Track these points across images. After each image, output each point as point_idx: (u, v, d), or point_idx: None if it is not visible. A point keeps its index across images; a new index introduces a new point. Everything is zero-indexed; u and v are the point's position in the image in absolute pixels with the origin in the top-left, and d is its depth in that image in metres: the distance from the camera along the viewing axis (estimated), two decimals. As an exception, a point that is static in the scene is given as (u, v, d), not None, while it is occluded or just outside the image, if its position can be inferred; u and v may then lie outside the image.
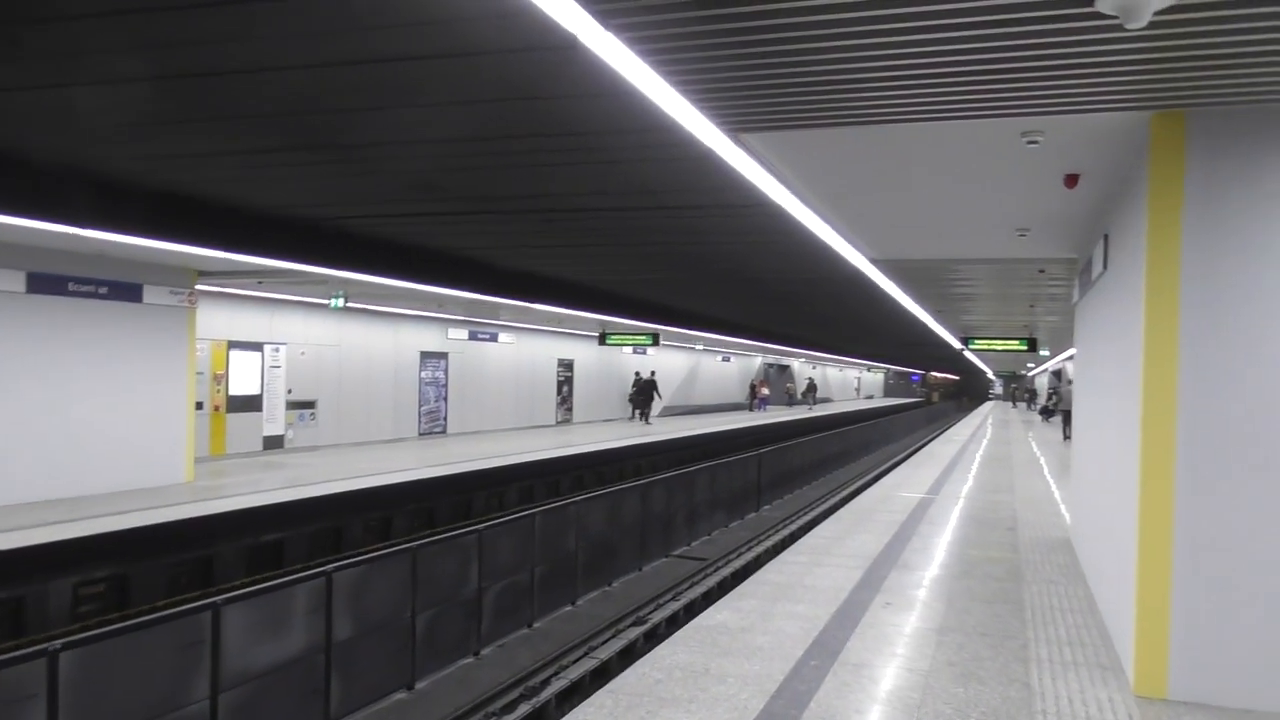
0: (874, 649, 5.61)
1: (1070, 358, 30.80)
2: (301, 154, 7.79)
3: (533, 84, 5.78)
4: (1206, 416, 4.61)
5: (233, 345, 16.84)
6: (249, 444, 17.27)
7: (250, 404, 17.33)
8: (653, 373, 30.44)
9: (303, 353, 18.51)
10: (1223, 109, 4.55)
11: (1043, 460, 19.50)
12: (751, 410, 42.52)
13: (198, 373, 15.76)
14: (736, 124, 4.96)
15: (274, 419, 17.90)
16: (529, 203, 9.69)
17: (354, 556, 9.95)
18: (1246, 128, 4.56)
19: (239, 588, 8.83)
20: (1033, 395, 57.10)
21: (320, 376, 18.98)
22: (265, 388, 17.64)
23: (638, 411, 30.39)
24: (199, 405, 15.97)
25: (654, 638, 10.76)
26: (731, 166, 5.92)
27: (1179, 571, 4.64)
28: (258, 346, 17.45)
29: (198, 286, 13.45)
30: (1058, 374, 39.11)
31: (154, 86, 6.06)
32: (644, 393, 30.01)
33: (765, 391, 45.09)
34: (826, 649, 5.58)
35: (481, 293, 15.66)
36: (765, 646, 5.62)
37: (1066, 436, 26.38)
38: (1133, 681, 4.86)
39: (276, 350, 17.88)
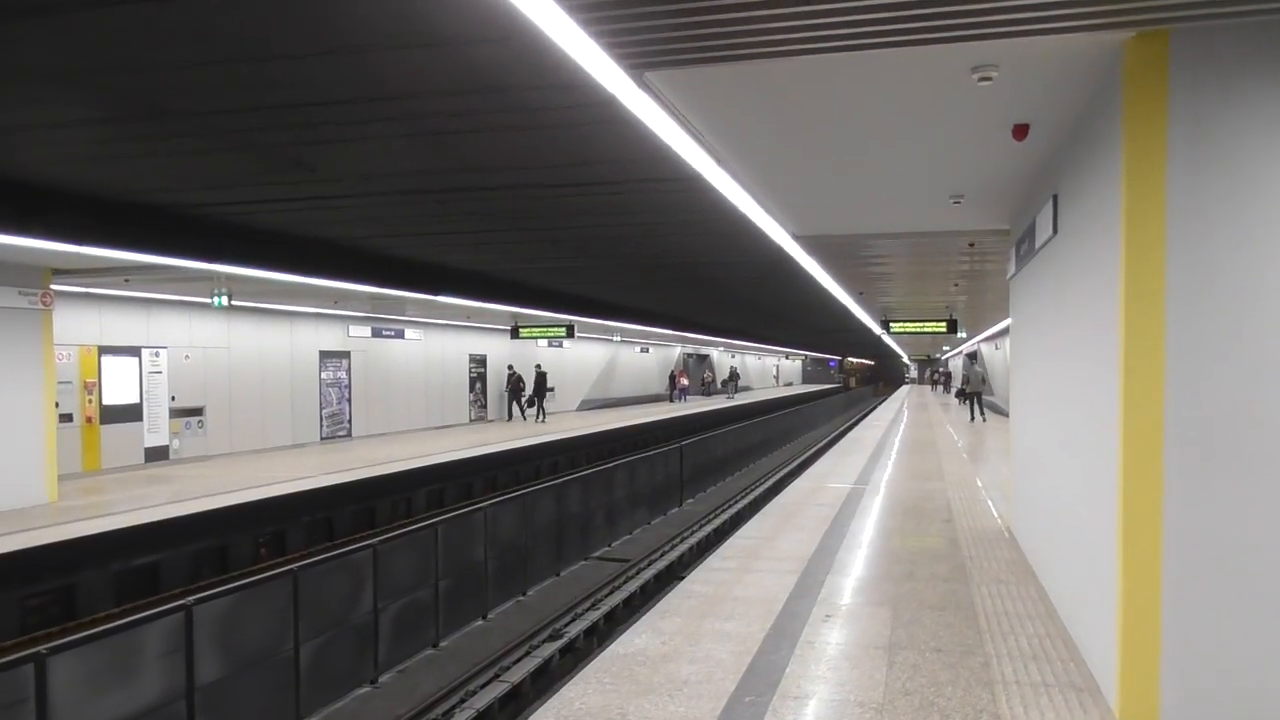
0: (817, 676, 4.83)
1: (988, 339, 30.92)
2: (141, 125, 6.67)
3: (402, 26, 4.84)
4: (1202, 393, 3.91)
5: (104, 350, 15.36)
6: (128, 457, 15.81)
7: (128, 413, 15.86)
8: (538, 366, 28.32)
9: (187, 356, 17.08)
10: (1209, 29, 3.86)
11: (960, 444, 19.19)
12: (672, 401, 41.89)
13: (62, 381, 14.37)
14: (638, 59, 4.09)
15: (156, 429, 16.46)
16: (416, 181, 8.68)
17: (231, 581, 8.87)
18: (1238, 50, 3.87)
19: (76, 630, 7.66)
20: (948, 379, 57.81)
21: (208, 381, 17.57)
22: (145, 395, 16.18)
23: (519, 407, 27.60)
24: (67, 417, 14.57)
25: (569, 651, 9.91)
26: (637, 118, 5.06)
27: (1170, 577, 3.95)
28: (134, 351, 15.97)
29: (54, 286, 12.06)
30: (972, 356, 39.45)
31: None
32: (538, 386, 27.80)
33: (685, 382, 44.53)
34: (763, 679, 4.78)
35: (379, 286, 14.54)
36: (692, 679, 4.80)
37: (972, 418, 26.48)
38: (1116, 706, 4.17)
39: (156, 355, 16.42)
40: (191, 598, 6.92)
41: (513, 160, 7.85)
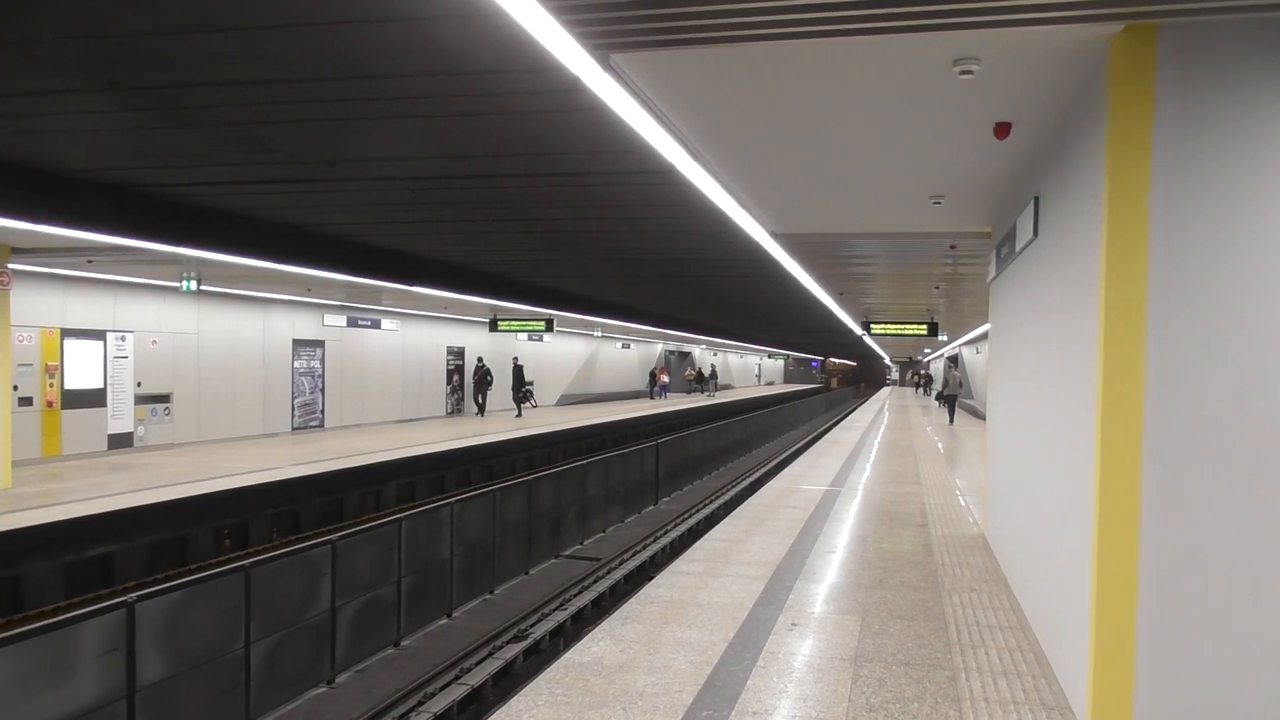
0: (779, 689, 4.64)
1: (968, 342, 30.91)
2: (94, 98, 6.39)
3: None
4: (1182, 406, 3.74)
5: (67, 333, 15.00)
6: (91, 443, 15.47)
7: (91, 399, 15.50)
8: (515, 359, 27.84)
9: (154, 341, 16.73)
10: (1198, 26, 3.68)
11: (940, 447, 19.10)
12: (653, 398, 41.73)
13: (22, 364, 14.04)
14: (602, 39, 3.88)
15: (121, 415, 16.11)
16: (386, 168, 8.42)
17: (187, 574, 8.62)
18: (1227, 49, 3.69)
19: (21, 624, 7.36)
20: (928, 381, 57.91)
21: (176, 367, 17.22)
22: (109, 380, 15.82)
23: (484, 401, 26.49)
24: (26, 401, 14.23)
25: (534, 653, 9.70)
26: (606, 105, 4.84)
27: (1145, 593, 3.77)
28: (99, 334, 15.61)
29: (13, 266, 11.73)
30: (953, 360, 39.50)
31: None
32: (516, 381, 27.10)
33: (665, 379, 44.37)
34: (722, 692, 4.59)
35: (352, 275, 14.22)
36: (649, 691, 4.59)
37: (951, 420, 26.51)
38: (1088, 727, 4.00)
39: (122, 339, 16.07)
40: (134, 594, 6.65)
41: (483, 148, 7.61)
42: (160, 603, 6.88)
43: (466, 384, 27.16)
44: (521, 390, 26.92)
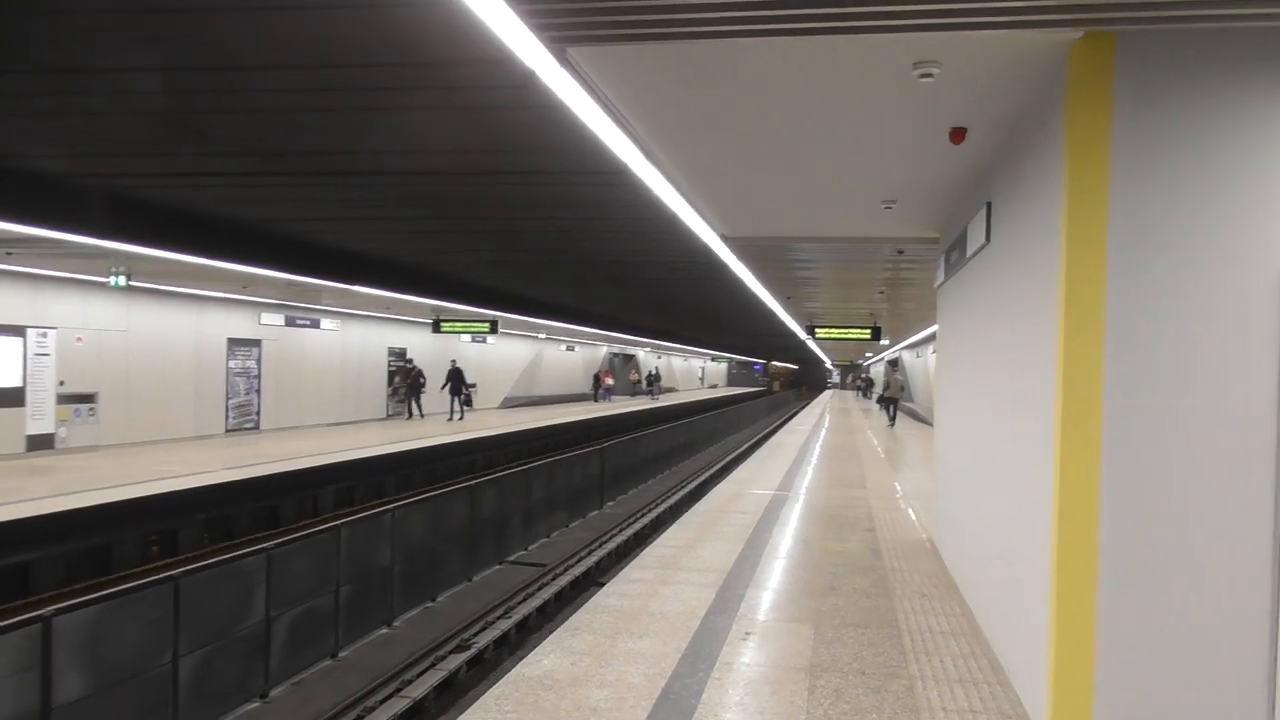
0: (735, 702, 4.53)
1: (910, 346, 31.30)
2: (11, 80, 6.03)
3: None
4: (1141, 410, 3.71)
5: (-17, 329, 14.35)
6: (7, 445, 14.79)
7: (8, 398, 14.83)
8: (453, 361, 26.20)
9: (79, 339, 16.08)
10: (1157, 33, 3.65)
11: (881, 450, 19.26)
12: (597, 400, 41.56)
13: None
14: (558, 31, 3.72)
15: (41, 415, 15.45)
16: (328, 162, 8.15)
17: (113, 585, 8.24)
18: (1185, 58, 3.67)
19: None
20: (870, 385, 58.61)
21: (102, 366, 16.58)
22: (28, 379, 15.15)
23: (416, 405, 25.50)
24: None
25: (478, 663, 9.48)
26: (561, 101, 4.68)
27: (1104, 601, 3.74)
28: (18, 331, 14.95)
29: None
30: (893, 363, 40.00)
31: None
32: (454, 383, 25.46)
33: (610, 382, 44.26)
34: (678, 706, 4.45)
35: (291, 272, 13.85)
36: (602, 706, 4.44)
37: (891, 423, 26.87)
38: (1047, 737, 3.95)
39: (44, 335, 15.41)
40: (51, 608, 6.30)
41: (435, 143, 7.39)
42: (80, 616, 6.56)
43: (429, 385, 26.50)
44: (461, 393, 25.90)
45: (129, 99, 6.23)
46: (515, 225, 11.36)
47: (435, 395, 26.07)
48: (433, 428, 22.50)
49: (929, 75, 4.25)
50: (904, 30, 3.66)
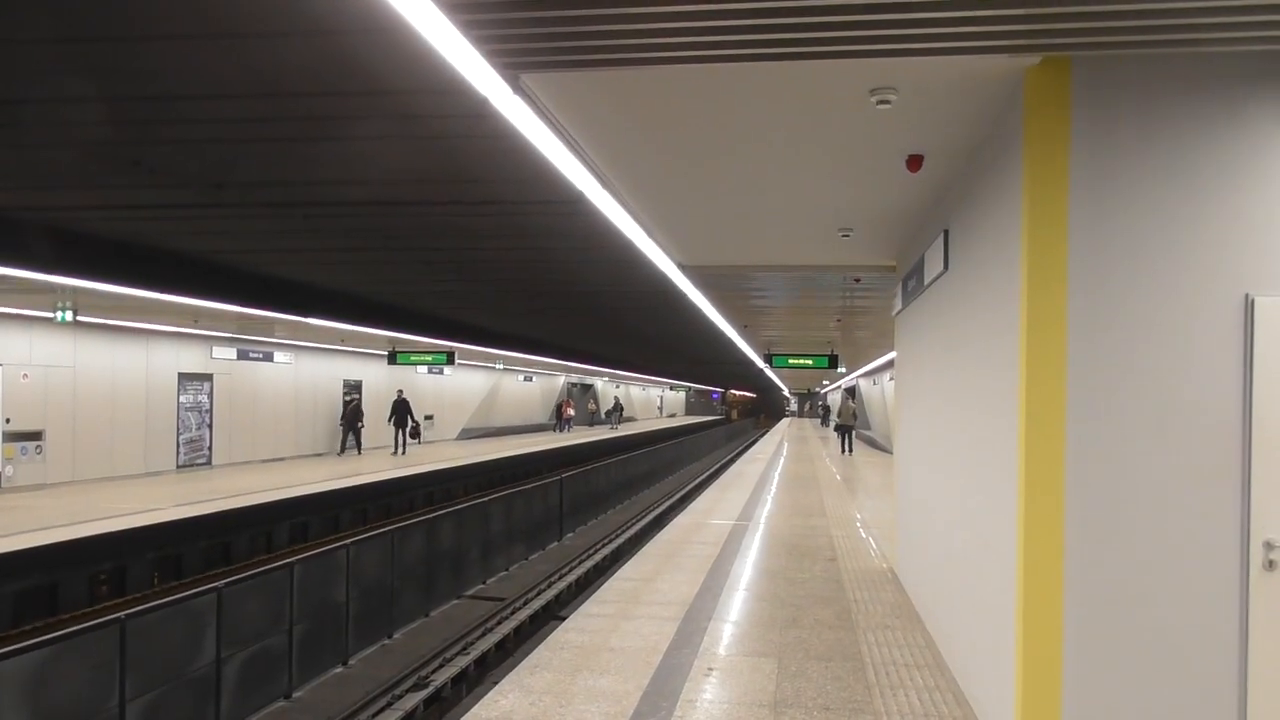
0: (698, 741, 4.43)
1: (866, 374, 31.53)
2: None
3: (253, 6, 4.29)
4: (1104, 436, 3.71)
5: (-75, 367, 13.91)
6: (-50, 484, 14.34)
7: (-48, 437, 14.40)
8: (399, 391, 25.22)
9: (25, 375, 15.66)
10: (1113, 57, 3.69)
11: (839, 478, 19.30)
12: (558, 431, 41.37)
13: None
14: (511, 57, 3.68)
15: (-15, 454, 15.00)
16: (278, 193, 8.02)
17: (59, 627, 7.93)
18: (1139, 83, 3.72)
19: None
20: (827, 412, 58.94)
21: (49, 402, 16.14)
22: (-27, 417, 14.72)
23: (355, 439, 24.27)
24: (-125, 440, 13.10)
25: (435, 702, 9.26)
26: (515, 129, 4.63)
27: (1071, 633, 3.71)
28: (-39, 368, 14.55)
29: None
30: (850, 392, 40.27)
31: None
32: (398, 415, 24.55)
33: (571, 412, 44.15)
34: (639, 746, 4.35)
35: (241, 305, 13.57)
36: (561, 747, 4.32)
37: (842, 450, 27.01)
38: (1015, 771, 3.90)
39: (-12, 372, 15.00)
40: (-8, 653, 6.05)
41: (385, 172, 7.29)
42: (24, 661, 6.30)
43: (364, 417, 25.92)
44: (408, 426, 24.74)
45: (64, 130, 6.07)
46: (471, 255, 11.27)
47: (380, 428, 25.26)
48: (373, 463, 22.16)
49: (886, 102, 4.26)
50: (860, 56, 3.66)
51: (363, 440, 24.56)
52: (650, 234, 7.67)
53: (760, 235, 7.90)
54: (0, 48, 4.83)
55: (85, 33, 4.58)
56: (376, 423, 25.40)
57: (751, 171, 5.78)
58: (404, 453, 24.22)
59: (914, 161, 5.27)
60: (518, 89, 4.07)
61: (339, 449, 24.39)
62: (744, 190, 6.27)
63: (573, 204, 6.48)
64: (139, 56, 4.85)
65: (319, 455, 23.93)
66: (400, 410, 24.47)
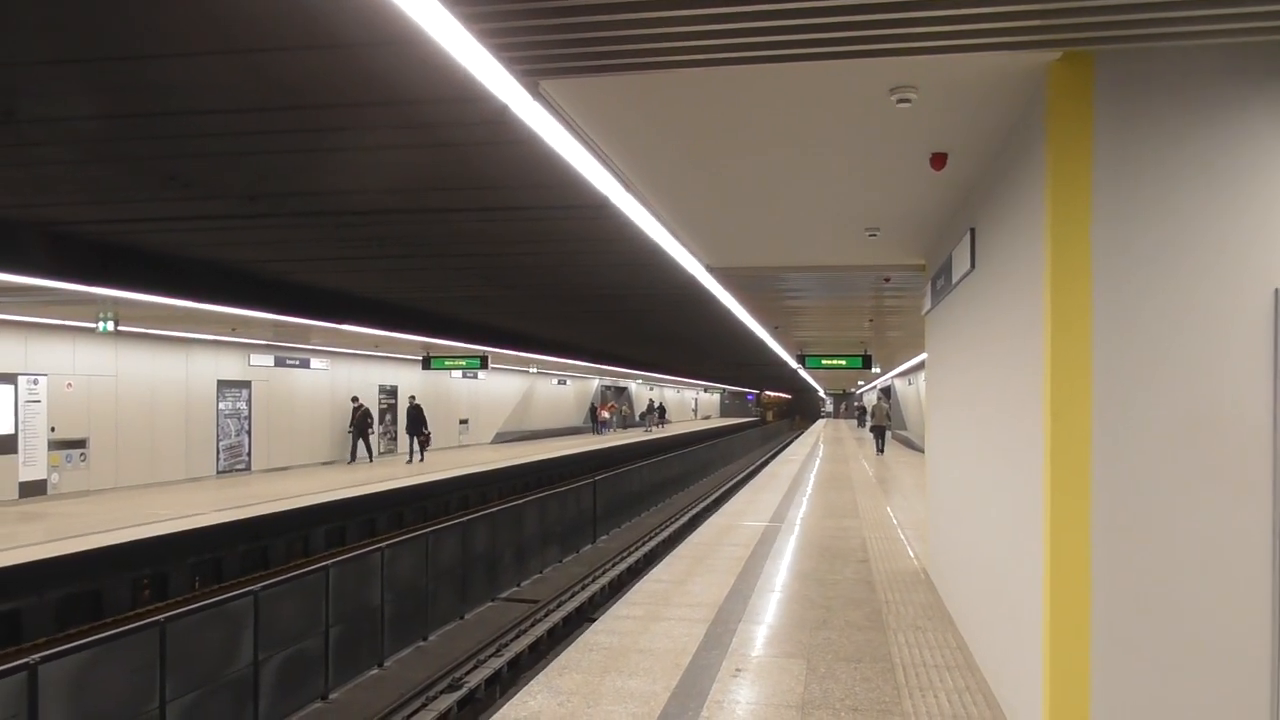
0: (725, 742, 4.44)
1: (901, 374, 31.30)
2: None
3: (279, 23, 4.37)
4: (1130, 434, 3.66)
5: (-26, 377, 14.26)
6: (1, 491, 14.67)
7: (1, 445, 14.73)
8: (412, 398, 24.61)
9: (69, 385, 16.00)
10: (1135, 51, 3.65)
11: (874, 478, 19.18)
12: (597, 433, 41.57)
13: (-76, 410, 13.29)
14: (529, 64, 3.72)
15: (33, 461, 15.34)
16: (309, 203, 8.14)
17: (101, 630, 8.11)
18: (1163, 77, 3.68)
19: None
20: (863, 413, 58.55)
21: (92, 411, 16.48)
22: (20, 426, 15.06)
23: (366, 446, 23.59)
24: (-72, 448, 13.46)
25: (469, 703, 9.34)
26: (537, 135, 4.67)
27: (1099, 634, 3.66)
28: (9, 378, 14.88)
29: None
30: (886, 392, 40.00)
31: None
32: (413, 422, 23.88)
33: (607, 415, 44.38)
34: (666, 747, 4.37)
35: (278, 313, 13.77)
36: (588, 748, 4.35)
37: (878, 451, 26.85)
38: (1044, 774, 3.86)
39: (35, 382, 15.34)
40: (37, 655, 6.20)
41: (411, 181, 7.39)
42: (66, 664, 6.45)
43: (399, 423, 25.93)
44: (422, 433, 23.92)
45: (99, 146, 6.22)
46: (499, 261, 11.36)
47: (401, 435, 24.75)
48: (426, 464, 22.33)
49: (906, 100, 4.25)
50: (879, 55, 3.65)
51: (373, 447, 24.02)
52: (676, 236, 7.69)
53: (786, 236, 7.89)
54: (39, 69, 4.96)
55: (114, 52, 4.69)
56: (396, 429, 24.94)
57: (774, 173, 5.78)
58: (422, 459, 23.61)
59: (938, 159, 5.24)
60: (537, 95, 4.11)
61: (349, 457, 23.58)
62: (768, 191, 6.27)
63: (597, 209, 6.51)
64: (166, 72, 4.95)
65: (356, 460, 24.13)
66: (413, 417, 23.95)
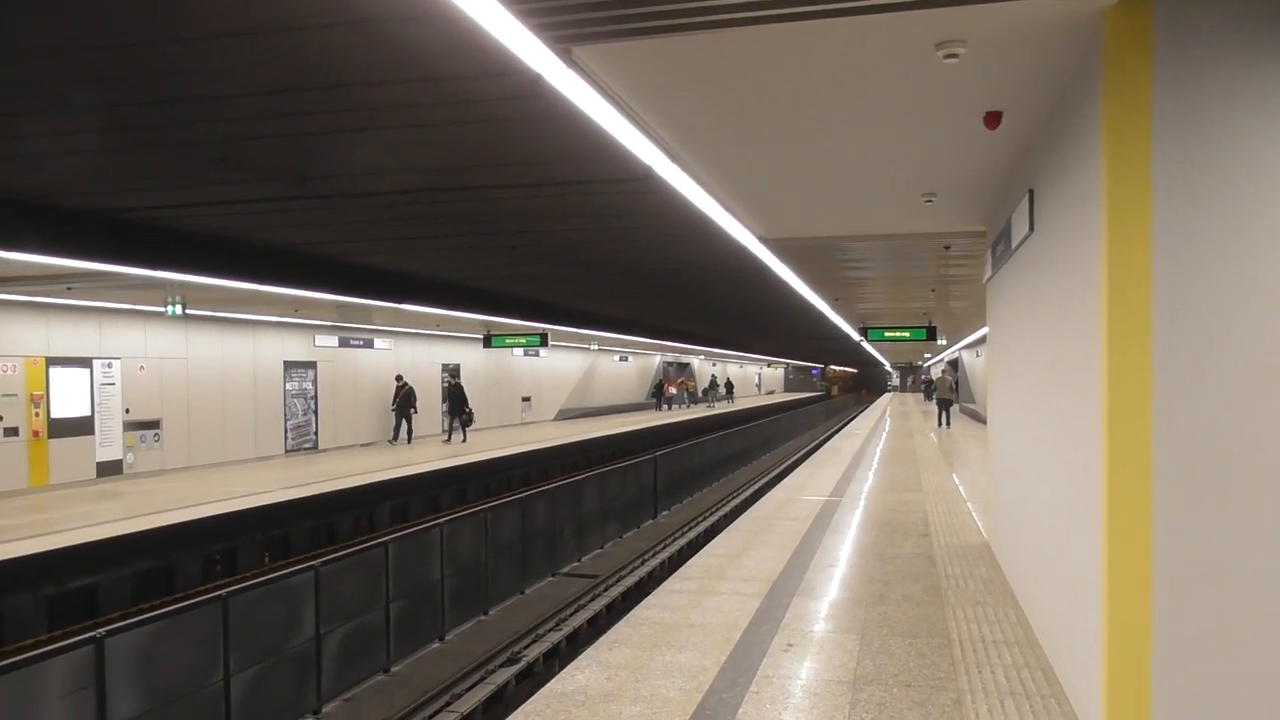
0: (772, 718, 4.37)
1: (968, 346, 30.65)
2: (46, 120, 6.14)
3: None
4: (1193, 404, 3.47)
5: (52, 361, 14.76)
6: (79, 471, 15.23)
7: (79, 427, 15.28)
8: (452, 376, 24.43)
9: (142, 367, 16.49)
10: (1199, -4, 3.43)
11: (939, 452, 18.84)
12: (661, 409, 41.68)
13: (6, 394, 13.83)
14: (560, 30, 3.64)
15: (109, 442, 15.88)
16: (360, 183, 8.18)
17: (169, 605, 8.35)
18: (1227, 21, 3.45)
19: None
20: (929, 386, 57.59)
21: (164, 393, 16.98)
22: (97, 408, 15.59)
23: (407, 427, 22.93)
24: (12, 431, 14.00)
25: (528, 676, 9.42)
26: (575, 106, 4.60)
27: (1160, 612, 3.50)
28: (85, 362, 15.38)
29: (-10, 294, 11.51)
30: (953, 364, 39.25)
31: None
32: (454, 402, 23.28)
33: (672, 391, 44.42)
34: (712, 722, 4.31)
35: (338, 294, 13.96)
36: (634, 723, 4.32)
37: (939, 424, 26.35)
38: (1103, 753, 3.72)
39: (109, 366, 15.84)
40: (103, 629, 6.39)
41: (455, 159, 7.37)
42: (132, 637, 6.63)
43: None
44: (463, 413, 23.20)
45: (152, 132, 6.31)
46: (551, 238, 11.33)
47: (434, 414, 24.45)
48: (491, 440, 22.54)
49: (954, 55, 4.06)
50: (920, 7, 3.49)
51: (414, 428, 23.36)
52: (725, 207, 7.56)
53: (838, 204, 7.70)
54: (84, 54, 5.02)
55: (156, 37, 4.72)
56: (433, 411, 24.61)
57: (821, 137, 5.62)
58: (464, 440, 23.01)
59: (992, 118, 5.03)
60: (571, 63, 4.03)
61: (392, 437, 23.16)
62: (813, 158, 6.12)
63: (642, 180, 6.41)
64: (206, 56, 4.98)
65: (420, 438, 24.37)
66: (454, 396, 23.51)
